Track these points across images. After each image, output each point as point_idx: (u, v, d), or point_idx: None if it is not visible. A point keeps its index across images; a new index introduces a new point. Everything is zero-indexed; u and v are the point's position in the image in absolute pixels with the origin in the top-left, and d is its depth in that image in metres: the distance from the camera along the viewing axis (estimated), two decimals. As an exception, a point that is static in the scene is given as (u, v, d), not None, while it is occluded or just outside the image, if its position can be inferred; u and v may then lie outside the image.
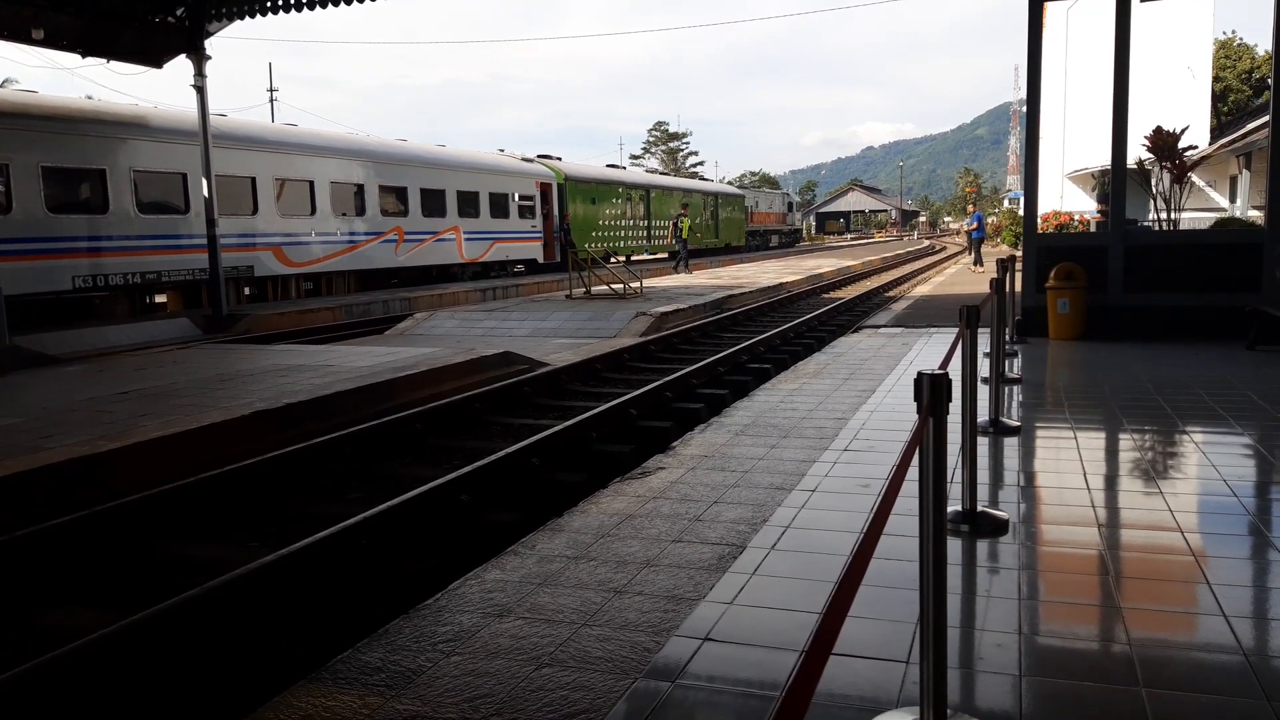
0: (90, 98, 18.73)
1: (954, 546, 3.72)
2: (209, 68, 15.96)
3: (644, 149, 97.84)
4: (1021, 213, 12.03)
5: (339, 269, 22.15)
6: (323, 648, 3.77)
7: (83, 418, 7.23)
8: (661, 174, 57.58)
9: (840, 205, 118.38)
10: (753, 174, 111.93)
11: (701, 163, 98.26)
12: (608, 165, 43.56)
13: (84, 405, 7.82)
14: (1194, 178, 13.85)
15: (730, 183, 76.70)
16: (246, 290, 20.30)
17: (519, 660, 2.86)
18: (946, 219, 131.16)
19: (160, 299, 19.23)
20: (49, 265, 15.65)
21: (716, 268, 32.62)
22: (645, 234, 39.39)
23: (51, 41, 14.40)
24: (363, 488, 6.26)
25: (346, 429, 7.09)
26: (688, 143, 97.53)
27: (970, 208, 33.75)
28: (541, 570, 3.62)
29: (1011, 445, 5.46)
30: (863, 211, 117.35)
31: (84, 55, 15.18)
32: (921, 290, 19.77)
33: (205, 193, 16.25)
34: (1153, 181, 11.36)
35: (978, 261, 28.20)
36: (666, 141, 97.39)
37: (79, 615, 4.21)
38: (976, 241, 29.01)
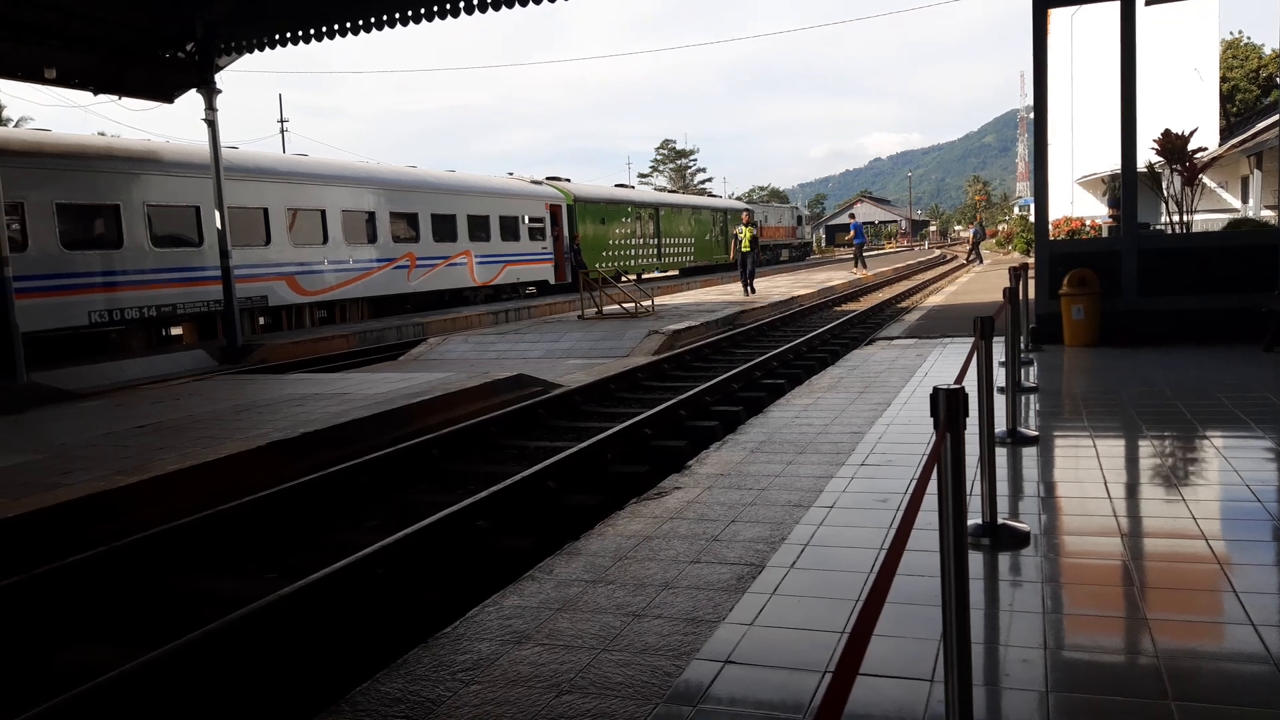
0: (103, 134, 18.93)
1: (975, 561, 3.69)
2: (219, 101, 16.11)
3: (652, 167, 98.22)
4: (1033, 220, 11.97)
5: (352, 296, 22.27)
6: (342, 679, 3.76)
7: (101, 453, 7.27)
8: (670, 192, 57.71)
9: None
10: (761, 188, 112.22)
11: (710, 179, 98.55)
12: (616, 185, 43.67)
13: (102, 440, 7.86)
14: (1205, 179, 13.78)
15: (739, 198, 76.73)
16: (261, 320, 20.43)
17: (539, 688, 2.84)
18: (957, 228, 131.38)
19: (176, 331, 19.37)
20: (65, 301, 15.79)
21: (727, 284, 32.64)
22: (656, 252, 39.45)
23: (64, 80, 14.57)
24: (380, 515, 6.26)
25: (363, 456, 7.11)
26: (695, 159, 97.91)
27: (850, 217, 47.27)
28: (559, 595, 3.60)
29: (1030, 455, 5.42)
30: (872, 222, 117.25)
31: (95, 92, 15.34)
32: (934, 300, 19.70)
33: (218, 225, 16.37)
34: (1164, 184, 11.31)
35: (856, 264, 36.70)
36: (674, 159, 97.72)
37: (99, 652, 4.21)
38: (859, 247, 37.59)
